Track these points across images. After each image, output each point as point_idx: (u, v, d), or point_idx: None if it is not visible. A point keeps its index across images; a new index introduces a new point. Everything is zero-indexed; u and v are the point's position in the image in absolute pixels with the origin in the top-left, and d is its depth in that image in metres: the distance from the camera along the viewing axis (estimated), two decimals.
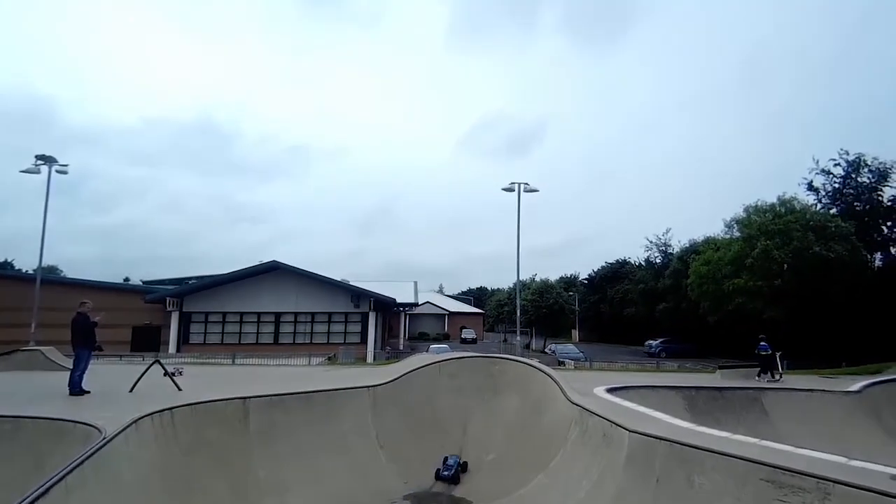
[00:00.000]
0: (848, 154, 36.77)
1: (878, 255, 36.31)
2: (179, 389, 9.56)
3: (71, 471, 4.54)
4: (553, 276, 68.41)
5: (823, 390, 13.53)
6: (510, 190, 29.68)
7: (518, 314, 32.39)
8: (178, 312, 34.73)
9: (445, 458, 8.74)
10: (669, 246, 58.84)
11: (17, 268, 68.54)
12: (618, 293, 60.76)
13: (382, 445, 8.94)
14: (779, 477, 4.23)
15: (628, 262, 66.74)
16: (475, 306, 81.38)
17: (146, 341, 32.62)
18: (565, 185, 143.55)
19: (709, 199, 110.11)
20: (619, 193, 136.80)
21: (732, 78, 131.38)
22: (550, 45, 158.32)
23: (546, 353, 42.33)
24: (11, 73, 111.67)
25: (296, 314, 35.95)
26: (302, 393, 8.91)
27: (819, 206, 37.67)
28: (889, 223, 35.33)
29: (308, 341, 34.71)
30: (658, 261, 59.49)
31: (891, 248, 35.55)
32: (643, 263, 62.80)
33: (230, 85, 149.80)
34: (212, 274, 41.10)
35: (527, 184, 29.66)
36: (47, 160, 26.56)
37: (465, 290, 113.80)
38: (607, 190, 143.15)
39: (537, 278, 59.58)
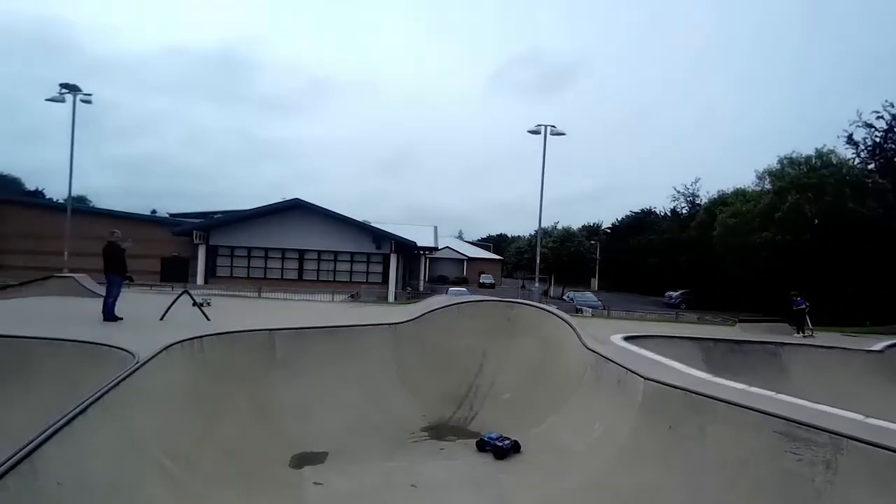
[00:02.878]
0: (893, 106, 34.64)
1: None
2: (208, 319, 9.92)
3: (107, 391, 4.79)
4: (576, 225, 67.69)
5: (845, 348, 13.44)
6: (536, 132, 29.00)
7: (538, 261, 32.41)
8: (205, 246, 35.59)
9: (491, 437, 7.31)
10: (697, 196, 57.54)
11: (47, 197, 70.38)
12: (640, 243, 60.02)
13: (403, 380, 9.26)
14: (793, 430, 4.25)
15: (653, 212, 65.64)
16: (494, 252, 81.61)
17: (174, 272, 33.64)
18: (594, 131, 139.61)
19: (745, 149, 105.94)
20: (651, 141, 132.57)
21: (791, 21, 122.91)
22: None
23: (564, 300, 42.53)
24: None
25: (319, 252, 36.58)
26: (326, 327, 9.18)
27: (857, 160, 36.04)
28: None
29: (331, 279, 35.48)
30: (685, 211, 58.36)
31: None
32: (668, 214, 61.69)
33: (252, 15, 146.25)
34: (235, 209, 41.72)
35: (553, 126, 28.90)
36: (71, 89, 26.66)
37: (484, 236, 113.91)
38: (639, 138, 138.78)
39: (559, 226, 59.01)
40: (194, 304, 10.78)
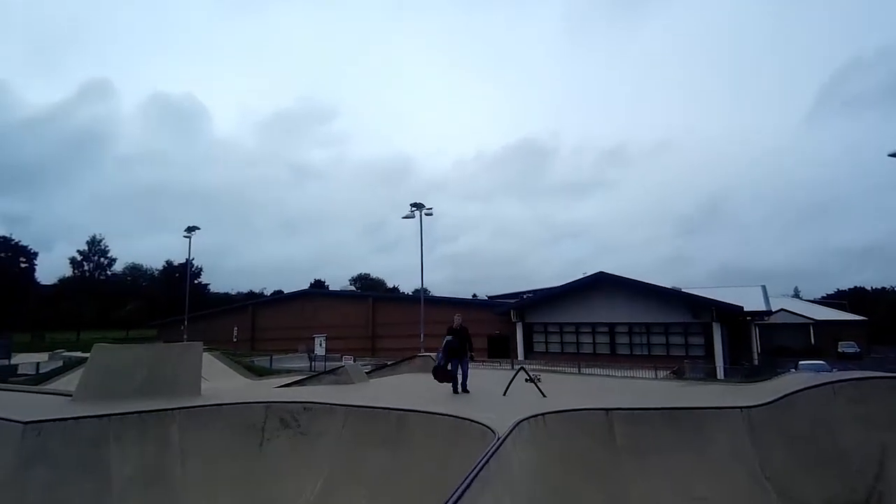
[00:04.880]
0: None
1: None
2: (544, 396, 10.35)
3: (483, 466, 5.30)
4: None
5: None
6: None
7: None
8: (521, 323, 38.35)
9: None
10: None
11: (402, 291, 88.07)
12: None
13: (768, 477, 7.75)
14: None
15: None
16: (852, 311, 64.97)
17: (499, 349, 36.93)
18: None
19: None
20: None
21: None
22: None
23: None
24: (387, 142, 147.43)
25: (630, 325, 35.28)
26: (666, 409, 8.50)
27: None
28: None
29: (646, 353, 33.59)
30: None
31: None
32: None
33: (543, 105, 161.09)
34: (544, 287, 44.12)
35: None
36: (418, 207, 33.22)
37: (831, 292, 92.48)
38: None
39: None
40: (528, 379, 11.45)
